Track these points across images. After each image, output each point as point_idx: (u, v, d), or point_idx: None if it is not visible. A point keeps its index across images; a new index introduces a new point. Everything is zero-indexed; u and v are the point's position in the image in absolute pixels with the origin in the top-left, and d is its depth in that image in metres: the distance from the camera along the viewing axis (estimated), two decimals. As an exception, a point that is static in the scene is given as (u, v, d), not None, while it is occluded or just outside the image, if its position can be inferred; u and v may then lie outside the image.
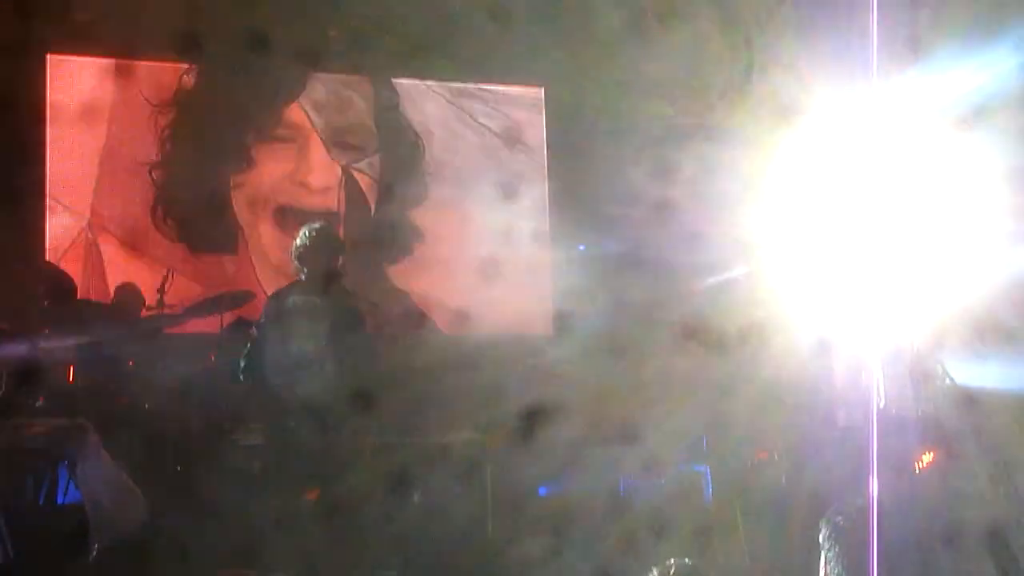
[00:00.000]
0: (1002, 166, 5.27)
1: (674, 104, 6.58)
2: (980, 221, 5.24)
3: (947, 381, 5.20)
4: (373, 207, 7.12)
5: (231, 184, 6.92)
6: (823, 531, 3.18)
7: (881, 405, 5.16)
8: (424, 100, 7.16)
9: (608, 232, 6.75)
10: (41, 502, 5.29)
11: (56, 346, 5.94)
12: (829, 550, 3.11)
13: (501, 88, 7.20)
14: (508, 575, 5.08)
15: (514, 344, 6.60)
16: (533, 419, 5.61)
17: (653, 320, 6.09)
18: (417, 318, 6.68)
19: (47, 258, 6.43)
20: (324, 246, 5.51)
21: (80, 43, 6.48)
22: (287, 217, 6.95)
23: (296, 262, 5.48)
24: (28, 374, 5.69)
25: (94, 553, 5.00)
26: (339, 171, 7.12)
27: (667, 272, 6.24)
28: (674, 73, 6.50)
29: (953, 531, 4.14)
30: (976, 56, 5.57)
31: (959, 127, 5.49)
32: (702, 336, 5.68)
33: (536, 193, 7.14)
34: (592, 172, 6.92)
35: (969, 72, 5.51)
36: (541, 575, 5.04)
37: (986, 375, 5.23)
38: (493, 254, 7.07)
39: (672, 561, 4.38)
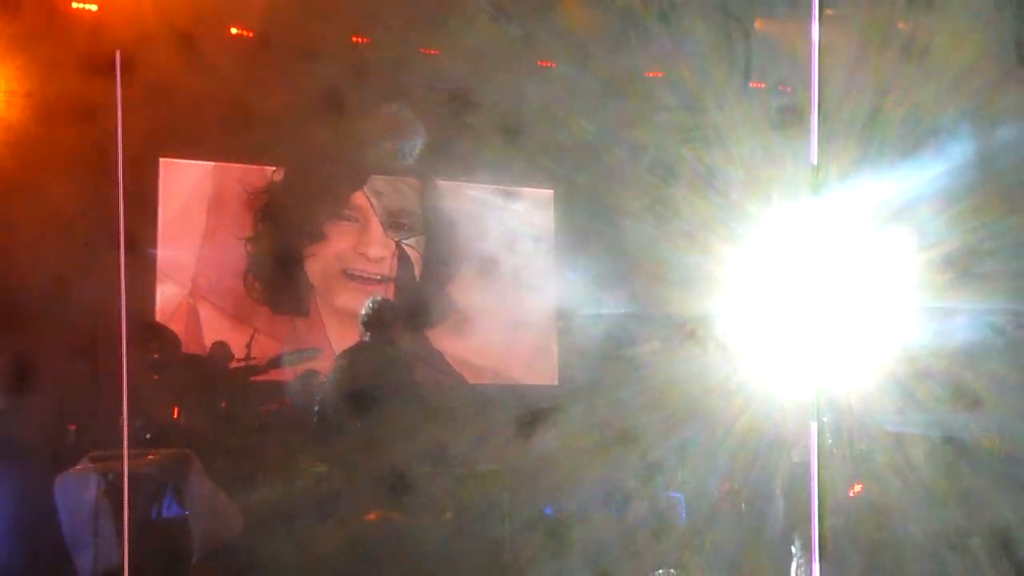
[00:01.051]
0: (926, 251, 5.48)
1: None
2: (902, 297, 5.35)
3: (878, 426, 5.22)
4: (418, 275, 7.22)
5: (305, 254, 6.98)
6: (796, 542, 3.39)
7: (828, 443, 5.19)
8: (457, 196, 7.24)
9: (600, 303, 6.70)
10: (152, 517, 5.28)
11: (163, 390, 6.08)
12: (800, 557, 3.32)
13: (516, 189, 7.25)
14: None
15: (525, 391, 6.83)
16: (536, 455, 5.70)
17: (634, 371, 6.04)
18: (450, 371, 6.63)
19: (157, 319, 6.50)
20: (384, 316, 5.84)
21: (188, 149, 6.61)
22: (350, 281, 7.08)
23: (362, 327, 5.80)
24: (141, 413, 5.81)
25: (195, 560, 5.13)
26: (393, 245, 7.22)
27: (651, 334, 6.20)
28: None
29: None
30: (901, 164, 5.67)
31: (890, 220, 5.52)
32: (683, 388, 5.60)
33: (545, 274, 7.16)
34: (592, 258, 6.86)
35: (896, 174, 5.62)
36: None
37: (908, 422, 5.25)
38: (510, 321, 7.18)
39: (660, 572, 4.55)
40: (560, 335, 7.37)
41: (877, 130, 5.68)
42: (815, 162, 4.35)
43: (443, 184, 7.34)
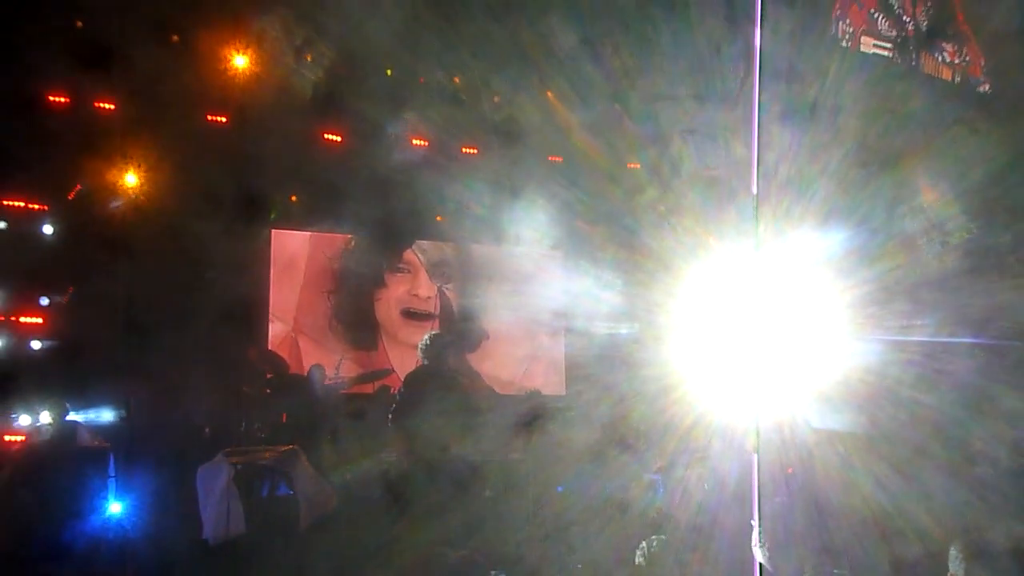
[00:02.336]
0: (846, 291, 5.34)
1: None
2: (826, 327, 5.21)
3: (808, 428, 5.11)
4: (456, 311, 7.43)
5: (373, 299, 7.25)
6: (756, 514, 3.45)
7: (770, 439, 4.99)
8: (482, 254, 7.46)
9: (595, 332, 6.76)
10: (268, 496, 5.39)
11: (276, 399, 6.29)
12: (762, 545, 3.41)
13: (525, 249, 7.30)
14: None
15: (540, 398, 6.61)
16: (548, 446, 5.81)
17: (619, 387, 6.05)
18: (484, 385, 6.77)
19: (269, 348, 6.72)
20: (438, 346, 5.92)
21: (291, 222, 6.89)
22: (406, 318, 7.31)
23: (420, 354, 5.89)
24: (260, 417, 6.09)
25: (303, 528, 5.24)
26: (436, 289, 7.44)
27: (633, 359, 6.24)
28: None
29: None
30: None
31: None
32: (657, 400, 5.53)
33: (551, 309, 7.12)
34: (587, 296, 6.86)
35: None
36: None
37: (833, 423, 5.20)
38: (527, 346, 7.41)
39: (653, 538, 4.53)
40: (567, 356, 7.44)
41: (804, 198, 5.58)
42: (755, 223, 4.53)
43: (470, 246, 7.50)
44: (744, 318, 5.13)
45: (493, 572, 4.63)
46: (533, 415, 6.02)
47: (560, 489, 5.83)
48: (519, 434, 5.91)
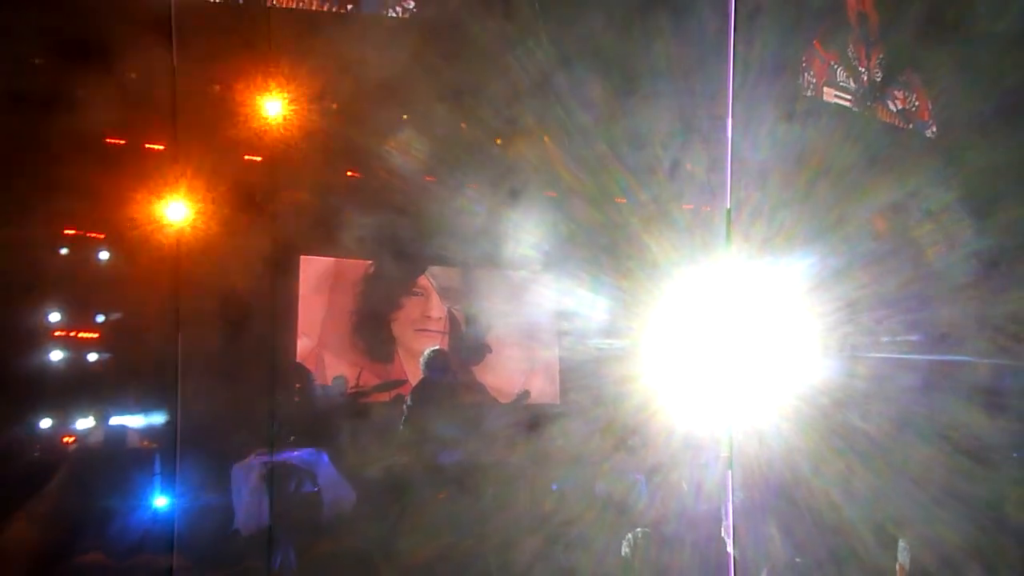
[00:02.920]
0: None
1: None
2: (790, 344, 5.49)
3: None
4: (464, 329, 7.42)
5: (391, 319, 7.27)
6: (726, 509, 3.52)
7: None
8: (481, 279, 7.44)
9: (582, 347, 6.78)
10: (291, 489, 5.36)
11: (302, 408, 6.40)
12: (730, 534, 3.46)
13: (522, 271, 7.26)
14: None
15: (537, 408, 6.92)
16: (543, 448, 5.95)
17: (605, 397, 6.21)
18: (486, 395, 6.85)
19: (296, 360, 6.72)
20: (439, 360, 6.17)
21: (317, 248, 6.93)
22: (420, 335, 7.28)
23: (423, 367, 6.12)
24: (287, 423, 5.97)
25: (323, 522, 5.29)
26: (446, 310, 7.46)
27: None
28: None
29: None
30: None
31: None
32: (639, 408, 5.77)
33: (547, 327, 7.26)
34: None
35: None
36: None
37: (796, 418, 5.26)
38: (525, 361, 7.37)
39: (638, 530, 4.58)
40: (561, 370, 7.38)
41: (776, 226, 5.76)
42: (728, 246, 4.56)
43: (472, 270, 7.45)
44: (717, 333, 5.49)
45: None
46: (531, 420, 6.12)
47: (555, 487, 5.83)
48: (517, 437, 5.97)
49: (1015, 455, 4.89)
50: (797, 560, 3.92)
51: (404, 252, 6.78)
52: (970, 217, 6.08)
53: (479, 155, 6.50)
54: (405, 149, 6.35)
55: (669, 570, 4.28)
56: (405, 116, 6.47)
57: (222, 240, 5.74)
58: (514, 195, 6.45)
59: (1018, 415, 5.12)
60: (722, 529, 3.94)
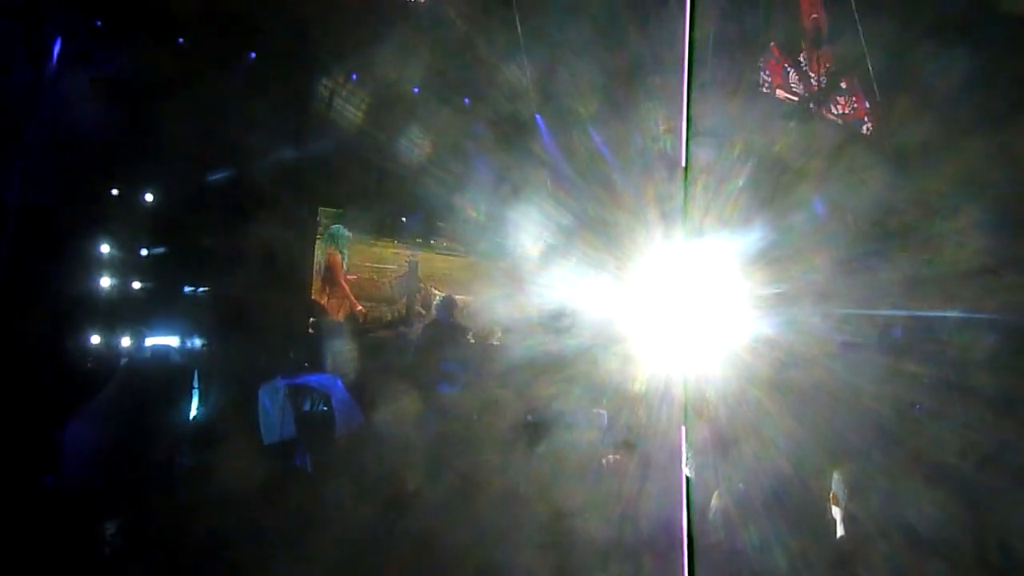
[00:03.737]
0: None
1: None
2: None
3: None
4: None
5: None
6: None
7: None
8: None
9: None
10: (307, 409, 5.51)
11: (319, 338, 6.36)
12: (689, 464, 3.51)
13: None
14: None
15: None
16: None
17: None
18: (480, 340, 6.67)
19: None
20: (448, 305, 6.14)
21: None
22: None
23: (435, 311, 6.09)
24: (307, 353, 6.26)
25: (336, 436, 5.34)
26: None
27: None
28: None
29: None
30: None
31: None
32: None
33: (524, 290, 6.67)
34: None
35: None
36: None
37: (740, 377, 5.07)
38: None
39: (610, 456, 4.58)
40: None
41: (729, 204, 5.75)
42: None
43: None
44: (674, 300, 5.33)
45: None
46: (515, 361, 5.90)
47: (528, 417, 5.61)
48: (503, 375, 5.86)
49: (916, 408, 4.87)
50: (740, 486, 3.79)
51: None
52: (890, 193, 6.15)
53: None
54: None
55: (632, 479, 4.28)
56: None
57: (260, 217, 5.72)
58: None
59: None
60: (683, 457, 3.94)
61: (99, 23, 5.33)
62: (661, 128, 6.24)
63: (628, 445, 4.84)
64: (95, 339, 5.51)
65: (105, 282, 5.72)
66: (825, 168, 6.17)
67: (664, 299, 5.48)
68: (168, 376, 5.20)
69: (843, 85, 7.48)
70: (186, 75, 5.39)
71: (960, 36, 5.85)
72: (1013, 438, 3.65)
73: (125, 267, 5.83)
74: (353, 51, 5.99)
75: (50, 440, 4.48)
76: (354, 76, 6.25)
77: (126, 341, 5.56)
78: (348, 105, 6.09)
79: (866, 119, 7.38)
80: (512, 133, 6.54)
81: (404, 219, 7.18)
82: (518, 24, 6.07)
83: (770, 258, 5.57)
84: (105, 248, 5.74)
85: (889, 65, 6.63)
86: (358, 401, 5.49)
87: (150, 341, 5.49)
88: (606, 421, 5.64)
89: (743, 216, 5.65)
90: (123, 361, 5.36)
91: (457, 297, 6.66)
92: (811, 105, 7.24)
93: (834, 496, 3.18)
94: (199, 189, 5.80)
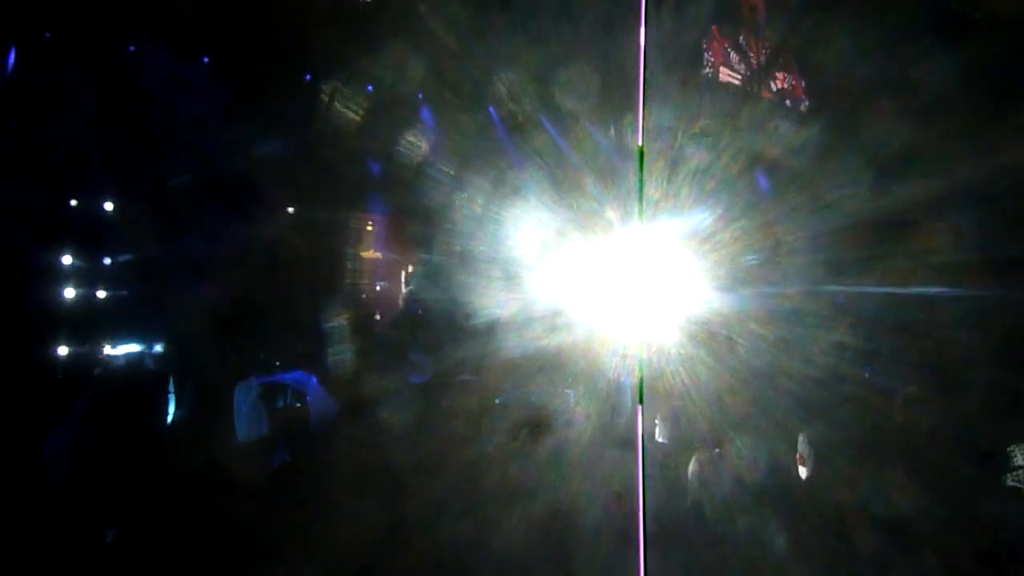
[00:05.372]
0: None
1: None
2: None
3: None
4: None
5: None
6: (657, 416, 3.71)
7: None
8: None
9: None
10: (282, 405, 5.67)
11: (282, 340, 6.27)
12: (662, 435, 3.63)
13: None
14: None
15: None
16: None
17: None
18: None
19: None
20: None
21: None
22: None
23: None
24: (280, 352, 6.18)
25: (312, 430, 5.54)
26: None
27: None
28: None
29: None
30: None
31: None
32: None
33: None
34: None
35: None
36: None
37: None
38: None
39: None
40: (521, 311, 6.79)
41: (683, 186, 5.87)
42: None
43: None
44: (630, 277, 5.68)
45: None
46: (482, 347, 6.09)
47: (498, 400, 5.97)
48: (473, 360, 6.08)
49: (866, 373, 5.04)
50: (716, 451, 3.98)
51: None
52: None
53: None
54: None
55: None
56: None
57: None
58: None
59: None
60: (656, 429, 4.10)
61: (49, 30, 5.27)
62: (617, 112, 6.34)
63: (589, 419, 5.08)
64: (63, 350, 5.56)
65: (70, 292, 5.75)
66: (770, 148, 6.38)
67: (620, 281, 5.69)
68: (144, 383, 5.36)
69: (780, 62, 7.69)
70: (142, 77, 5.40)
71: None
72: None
73: (90, 276, 5.86)
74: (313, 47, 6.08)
75: (26, 453, 4.53)
76: (308, 76, 6.30)
77: (98, 350, 5.65)
78: (305, 100, 6.08)
79: (803, 97, 7.63)
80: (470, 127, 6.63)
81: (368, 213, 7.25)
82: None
83: (720, 239, 5.78)
84: (67, 259, 5.76)
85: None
86: (332, 395, 5.68)
87: (123, 349, 5.61)
88: (572, 400, 5.79)
89: (696, 198, 5.81)
90: (96, 371, 5.45)
91: (423, 289, 6.76)
92: (752, 84, 7.44)
93: (800, 457, 3.45)
94: (162, 193, 5.84)
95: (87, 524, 4.20)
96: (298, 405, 5.70)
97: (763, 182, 6.36)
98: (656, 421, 3.97)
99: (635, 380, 5.22)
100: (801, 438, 3.53)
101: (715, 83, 7.41)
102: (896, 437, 3.51)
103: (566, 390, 5.88)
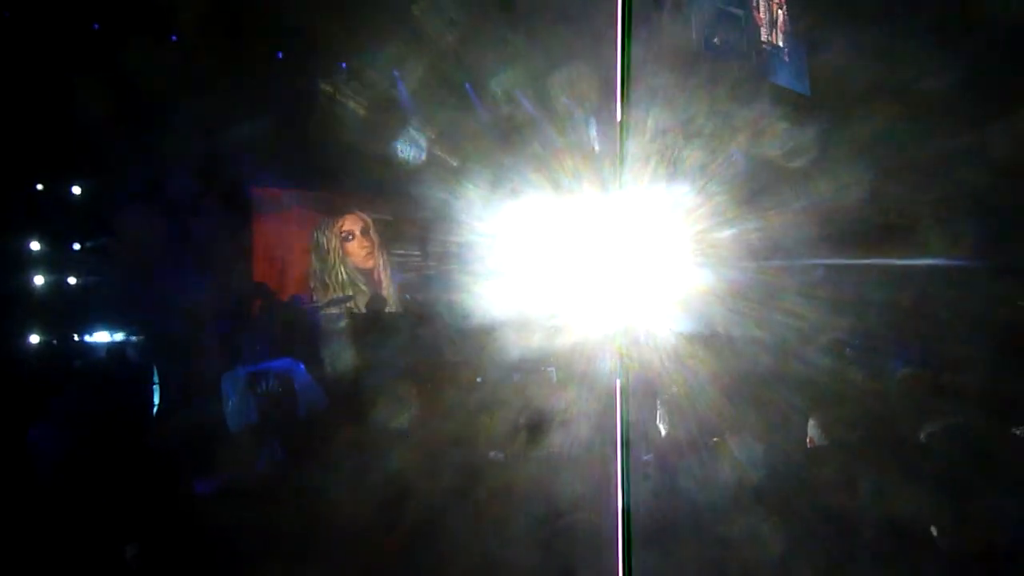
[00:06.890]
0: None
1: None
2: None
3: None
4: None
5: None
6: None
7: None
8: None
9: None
10: (276, 393, 5.34)
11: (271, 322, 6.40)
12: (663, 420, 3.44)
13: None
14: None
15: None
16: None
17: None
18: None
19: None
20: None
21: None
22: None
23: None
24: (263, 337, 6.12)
25: (301, 415, 5.41)
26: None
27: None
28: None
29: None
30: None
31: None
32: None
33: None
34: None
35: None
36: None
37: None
38: None
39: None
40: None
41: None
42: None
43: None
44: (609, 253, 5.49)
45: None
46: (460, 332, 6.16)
47: (479, 380, 5.84)
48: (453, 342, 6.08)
49: (848, 349, 4.91)
50: (715, 439, 3.87)
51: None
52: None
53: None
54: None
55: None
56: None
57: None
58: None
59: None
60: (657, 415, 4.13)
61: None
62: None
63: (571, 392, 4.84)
64: (36, 340, 5.42)
65: (40, 280, 5.58)
66: (755, 122, 6.27)
67: (600, 256, 5.56)
68: (127, 374, 5.21)
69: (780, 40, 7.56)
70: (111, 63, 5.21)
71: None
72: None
73: (60, 263, 5.69)
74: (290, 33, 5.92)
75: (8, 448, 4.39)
76: (280, 55, 6.15)
77: (77, 340, 5.53)
78: (284, 87, 5.95)
79: (784, 47, 7.50)
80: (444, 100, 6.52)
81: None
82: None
83: (702, 213, 5.68)
84: (36, 245, 5.57)
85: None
86: (320, 383, 5.61)
87: (104, 338, 5.47)
88: (555, 377, 5.80)
89: (678, 172, 5.75)
90: (76, 363, 5.36)
91: (400, 275, 6.88)
92: (747, 63, 7.30)
93: (811, 439, 3.45)
94: (133, 179, 5.65)
95: (78, 527, 3.97)
96: (287, 393, 5.51)
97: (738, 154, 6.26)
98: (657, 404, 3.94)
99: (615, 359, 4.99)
100: (812, 420, 3.48)
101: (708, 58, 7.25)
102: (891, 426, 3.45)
103: (548, 368, 5.84)
